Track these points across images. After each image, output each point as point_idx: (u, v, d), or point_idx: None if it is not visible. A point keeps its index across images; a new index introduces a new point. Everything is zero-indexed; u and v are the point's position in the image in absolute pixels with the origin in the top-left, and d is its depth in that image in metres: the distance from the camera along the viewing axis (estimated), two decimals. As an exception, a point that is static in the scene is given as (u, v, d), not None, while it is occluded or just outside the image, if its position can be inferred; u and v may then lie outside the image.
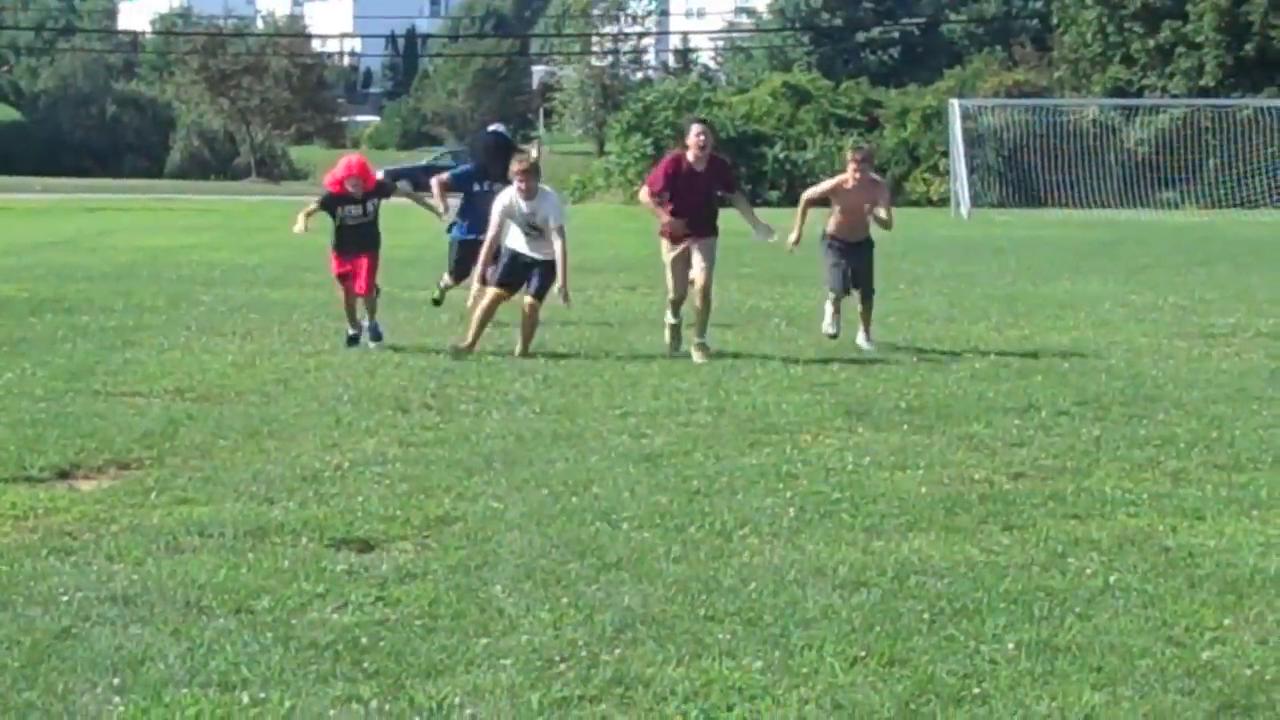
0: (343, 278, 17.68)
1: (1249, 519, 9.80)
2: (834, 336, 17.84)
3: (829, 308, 18.03)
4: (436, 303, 20.64)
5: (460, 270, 19.35)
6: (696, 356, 16.63)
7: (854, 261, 18.01)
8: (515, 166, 16.87)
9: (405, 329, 19.20)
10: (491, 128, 21.51)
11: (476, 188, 19.31)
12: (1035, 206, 60.76)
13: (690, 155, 16.97)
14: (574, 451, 11.64)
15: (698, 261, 16.93)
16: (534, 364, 15.74)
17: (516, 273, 16.93)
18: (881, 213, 17.94)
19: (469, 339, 16.79)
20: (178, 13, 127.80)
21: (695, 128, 17.33)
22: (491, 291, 16.99)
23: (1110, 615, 7.69)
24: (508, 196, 16.83)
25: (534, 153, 17.39)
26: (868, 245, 18.29)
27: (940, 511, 9.84)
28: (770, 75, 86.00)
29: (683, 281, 17.02)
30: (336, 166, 17.94)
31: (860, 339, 17.89)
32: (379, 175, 18.47)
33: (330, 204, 17.62)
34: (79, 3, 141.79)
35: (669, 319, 17.33)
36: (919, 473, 11.04)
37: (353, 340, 17.52)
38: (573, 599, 7.86)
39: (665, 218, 16.91)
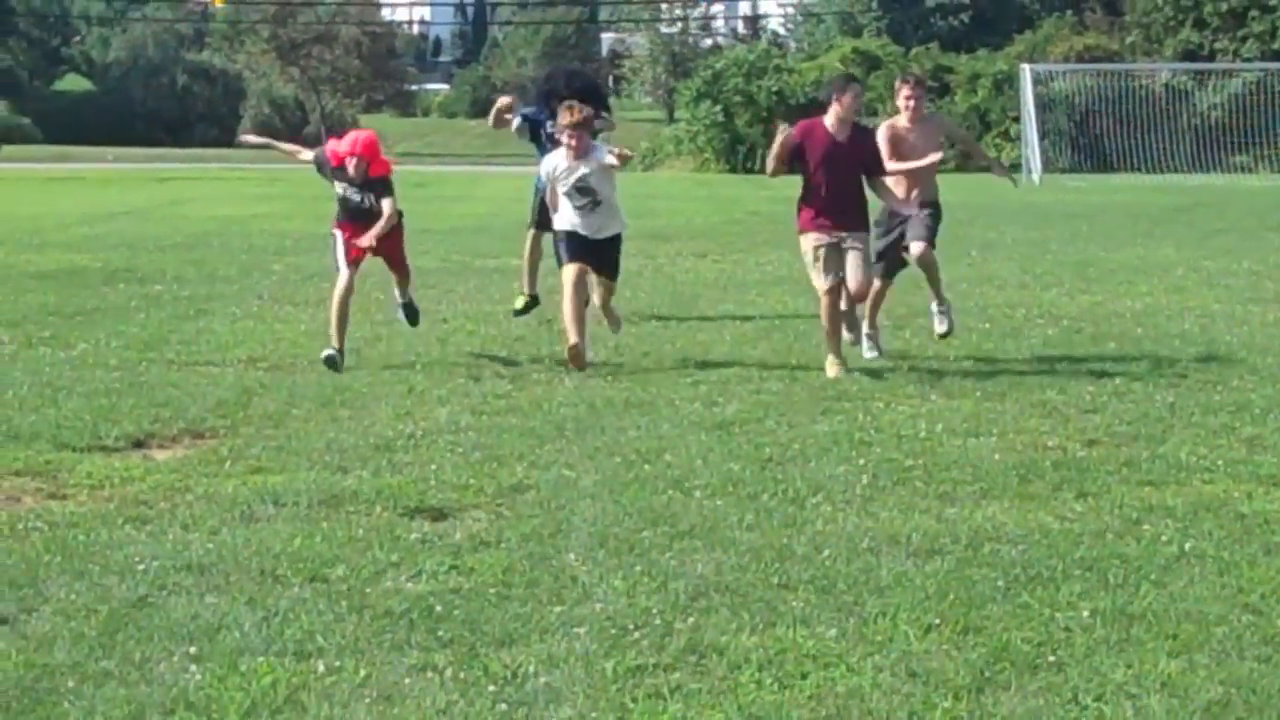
0: (352, 255, 14.29)
1: (1326, 486, 9.73)
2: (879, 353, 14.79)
3: (863, 325, 14.91)
4: (520, 312, 17.06)
5: (541, 220, 16.21)
6: (833, 371, 13.62)
7: (909, 223, 14.74)
8: (565, 119, 14.23)
9: (475, 297, 19.22)
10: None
11: (547, 130, 16.05)
12: (1107, 171, 60.34)
13: (830, 121, 13.90)
14: (646, 419, 11.64)
15: (853, 265, 13.84)
16: (605, 332, 15.63)
17: (580, 249, 14.36)
18: (984, 159, 15.43)
19: (572, 338, 13.93)
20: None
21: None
22: (568, 272, 14.21)
23: (1186, 582, 7.65)
24: (551, 164, 14.50)
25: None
26: (934, 210, 14.94)
27: (1014, 478, 9.80)
28: (840, 41, 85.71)
29: (835, 267, 13.77)
30: (343, 139, 14.41)
31: (936, 317, 15.09)
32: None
33: (323, 169, 14.40)
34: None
35: (826, 326, 13.95)
36: (992, 439, 11.00)
37: (331, 361, 13.83)
38: (646, 567, 7.86)
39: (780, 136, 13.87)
